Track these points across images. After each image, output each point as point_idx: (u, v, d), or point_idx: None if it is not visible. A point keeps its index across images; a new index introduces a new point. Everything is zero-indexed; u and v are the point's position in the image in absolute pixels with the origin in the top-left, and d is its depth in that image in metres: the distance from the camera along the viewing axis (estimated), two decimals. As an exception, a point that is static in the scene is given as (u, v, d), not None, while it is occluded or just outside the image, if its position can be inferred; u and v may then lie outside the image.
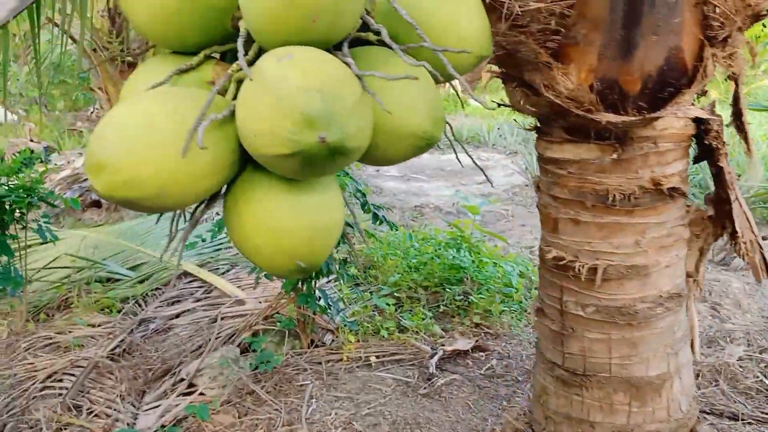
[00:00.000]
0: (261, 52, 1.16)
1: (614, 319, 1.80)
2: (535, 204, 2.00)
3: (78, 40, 2.24)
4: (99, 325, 4.10)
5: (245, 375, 3.31)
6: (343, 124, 0.99)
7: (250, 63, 1.11)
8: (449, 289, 4.27)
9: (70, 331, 4.07)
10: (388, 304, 3.96)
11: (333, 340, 3.75)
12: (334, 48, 1.15)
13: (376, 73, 1.04)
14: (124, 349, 3.77)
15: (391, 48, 1.22)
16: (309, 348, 3.69)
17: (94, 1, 4.44)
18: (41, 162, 7.31)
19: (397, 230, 4.58)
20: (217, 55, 1.22)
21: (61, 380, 3.56)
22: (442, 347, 3.63)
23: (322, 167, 1.04)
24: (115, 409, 3.21)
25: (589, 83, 1.60)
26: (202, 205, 1.17)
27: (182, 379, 3.38)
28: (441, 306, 4.20)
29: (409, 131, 1.17)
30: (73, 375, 3.57)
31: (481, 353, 3.65)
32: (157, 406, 3.19)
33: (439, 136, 1.24)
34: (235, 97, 1.14)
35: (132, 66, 6.30)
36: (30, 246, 4.31)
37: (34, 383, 3.55)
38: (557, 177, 1.80)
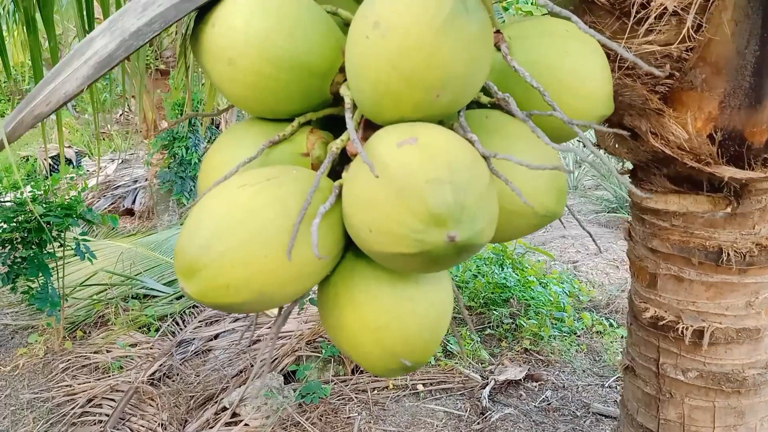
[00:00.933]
0: (366, 121, 1.01)
1: (720, 386, 1.63)
2: (625, 252, 1.83)
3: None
4: (137, 345, 4.01)
5: (290, 405, 3.19)
6: (474, 218, 0.83)
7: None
8: (495, 310, 4.11)
9: (108, 351, 3.99)
10: (434, 328, 3.80)
11: (378, 367, 3.61)
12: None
13: (511, 158, 0.89)
14: (164, 373, 3.67)
15: (512, 114, 1.06)
16: (353, 374, 3.55)
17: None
18: (74, 167, 7.28)
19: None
20: (306, 120, 1.07)
21: (100, 405, 3.47)
22: (492, 376, 3.47)
23: (444, 264, 0.89)
24: (158, 442, 3.11)
25: (707, 133, 1.43)
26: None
27: (225, 408, 3.27)
28: (487, 329, 4.04)
29: (529, 209, 1.02)
30: (112, 400, 3.48)
31: (534, 383, 3.48)
32: (201, 439, 3.09)
33: (561, 211, 1.08)
34: (336, 176, 0.99)
35: (165, 74, 6.21)
36: (66, 258, 4.23)
37: (73, 408, 3.47)
38: (657, 228, 1.63)
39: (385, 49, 0.86)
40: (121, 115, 10.06)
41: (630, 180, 1.73)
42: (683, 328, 1.62)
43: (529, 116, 1.05)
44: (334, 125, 1.10)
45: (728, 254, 1.53)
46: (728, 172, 1.41)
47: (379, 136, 0.90)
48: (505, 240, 1.11)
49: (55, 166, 7.93)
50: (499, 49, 1.08)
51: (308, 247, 0.86)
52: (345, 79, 1.00)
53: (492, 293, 4.28)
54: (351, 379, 3.48)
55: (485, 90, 1.06)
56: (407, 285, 0.97)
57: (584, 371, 3.62)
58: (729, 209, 1.52)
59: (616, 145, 1.65)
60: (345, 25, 1.09)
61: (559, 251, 5.71)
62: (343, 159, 1.03)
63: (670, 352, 1.68)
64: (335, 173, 1.04)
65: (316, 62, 0.99)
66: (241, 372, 3.54)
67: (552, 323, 3.97)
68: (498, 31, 1.09)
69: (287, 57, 0.97)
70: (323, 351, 3.50)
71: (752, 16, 1.32)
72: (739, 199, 1.51)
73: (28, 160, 7.80)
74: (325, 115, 1.07)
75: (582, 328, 4.03)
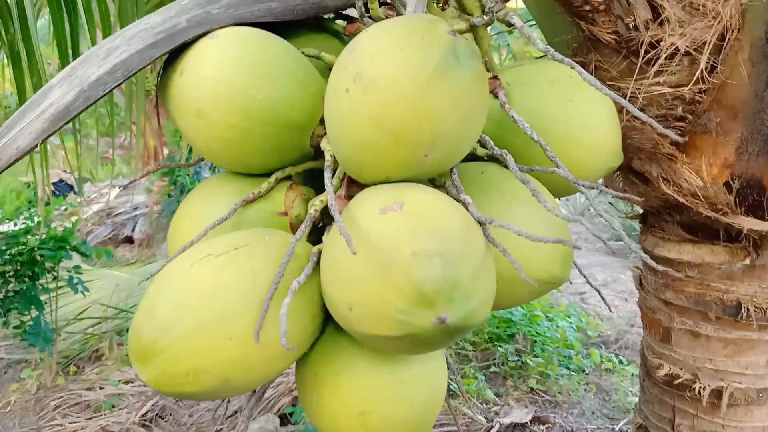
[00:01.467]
0: (350, 178, 0.91)
1: (740, 451, 1.51)
2: (636, 301, 1.71)
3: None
4: (130, 382, 3.89)
5: (286, 450, 3.06)
6: (468, 295, 0.73)
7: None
8: (501, 346, 3.98)
9: (101, 387, 3.87)
10: (436, 366, 3.67)
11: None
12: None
13: (510, 226, 0.78)
14: (157, 413, 3.55)
15: (507, 168, 0.97)
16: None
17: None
18: (75, 194, 7.22)
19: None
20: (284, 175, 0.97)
21: (90, 447, 3.35)
22: (497, 418, 3.33)
23: (433, 347, 0.79)
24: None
25: (723, 180, 1.32)
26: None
27: (218, 452, 3.14)
28: (492, 366, 3.90)
29: (532, 276, 0.91)
30: (103, 442, 3.35)
31: (542, 426, 3.34)
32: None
33: (567, 275, 0.98)
34: (320, 236, 0.89)
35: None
36: (60, 289, 4.13)
37: (63, 450, 3.35)
38: (671, 279, 1.52)
39: (366, 104, 0.77)
40: (125, 140, 10.02)
41: (640, 226, 1.62)
42: (700, 387, 1.50)
43: (530, 172, 0.96)
44: (315, 179, 1.01)
45: (747, 309, 1.41)
46: (747, 223, 1.31)
47: (360, 201, 0.80)
48: (504, 308, 1.01)
49: (57, 192, 7.87)
50: (496, 96, 0.98)
51: (278, 330, 0.76)
52: (326, 132, 0.91)
53: (497, 328, 4.15)
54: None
55: (481, 141, 0.97)
56: (395, 364, 0.87)
57: (593, 413, 3.48)
58: (748, 261, 1.41)
59: (626, 189, 1.55)
60: (328, 71, 1.00)
61: (565, 283, 5.58)
62: (327, 215, 0.94)
63: (687, 412, 1.56)
64: (319, 232, 0.94)
65: (294, 114, 0.90)
66: (235, 413, 3.41)
67: (559, 360, 3.83)
68: (495, 77, 1.00)
69: (262, 108, 0.88)
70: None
71: (771, 56, 1.22)
72: (758, 249, 1.40)
73: (29, 186, 7.76)
74: (306, 169, 0.98)
75: (591, 366, 3.89)
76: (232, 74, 0.87)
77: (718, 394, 1.49)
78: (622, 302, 4.94)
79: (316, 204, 0.88)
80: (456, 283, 0.72)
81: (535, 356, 3.82)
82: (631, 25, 1.28)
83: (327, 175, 0.84)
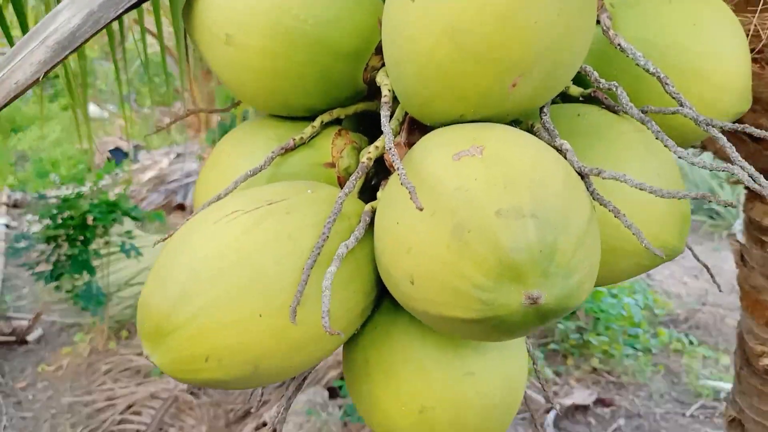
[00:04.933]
0: (411, 120, 0.73)
1: None
2: (735, 278, 1.49)
3: (159, 39, 1.87)
4: (180, 349, 3.86)
5: (334, 424, 2.95)
6: (569, 270, 0.55)
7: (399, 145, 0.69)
8: (560, 323, 3.76)
9: (150, 354, 3.86)
10: (492, 342, 3.50)
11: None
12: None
13: (628, 178, 0.59)
14: (205, 381, 3.50)
15: (614, 112, 0.77)
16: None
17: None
18: (131, 161, 7.28)
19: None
20: (332, 118, 0.79)
21: (139, 413, 3.33)
22: (557, 398, 3.14)
23: (520, 333, 0.61)
24: (194, 459, 2.94)
25: None
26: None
27: (265, 423, 3.07)
28: (551, 343, 3.70)
29: (641, 246, 0.71)
30: (152, 408, 3.33)
31: (605, 408, 3.13)
32: (239, 458, 2.90)
33: (683, 246, 0.78)
34: (369, 198, 0.72)
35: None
36: (112, 254, 4.13)
37: (113, 414, 3.34)
38: (782, 254, 1.30)
39: (439, 13, 0.59)
40: (179, 108, 10.07)
41: (746, 192, 1.39)
42: (816, 381, 1.28)
43: (645, 114, 0.76)
44: (369, 125, 0.83)
45: None
46: None
47: (427, 145, 0.62)
48: (601, 285, 0.82)
49: (113, 159, 7.97)
50: (598, 21, 0.78)
51: (320, 307, 0.59)
52: (383, 63, 0.73)
53: (556, 303, 3.94)
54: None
55: (578, 78, 0.77)
56: (465, 352, 0.69)
57: (662, 396, 3.24)
58: None
59: (732, 145, 1.31)
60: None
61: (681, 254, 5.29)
62: (382, 169, 0.77)
63: (795, 408, 1.34)
64: (373, 190, 0.77)
65: (343, 39, 0.72)
66: (283, 383, 3.33)
67: (624, 340, 3.60)
68: (597, -2, 0.80)
69: (304, 31, 0.71)
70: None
71: None
72: None
73: (87, 153, 7.88)
74: (358, 111, 0.80)
75: (658, 346, 3.64)
76: (268, -11, 0.70)
77: (837, 390, 1.27)
78: (691, 279, 4.62)
79: (371, 151, 0.70)
80: (554, 252, 0.54)
81: (599, 334, 3.59)
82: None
83: (384, 113, 0.66)
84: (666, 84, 0.70)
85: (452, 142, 0.59)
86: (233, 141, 0.81)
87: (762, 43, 1.10)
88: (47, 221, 3.66)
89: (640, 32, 0.79)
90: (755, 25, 1.10)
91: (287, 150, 0.75)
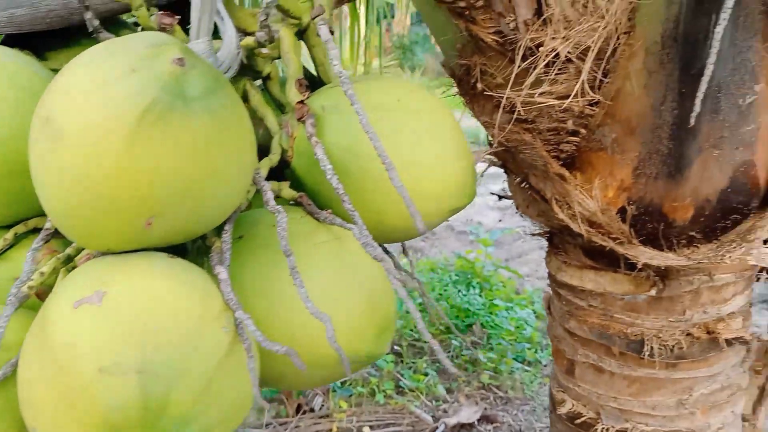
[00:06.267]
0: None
1: (648, 496, 1.37)
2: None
3: None
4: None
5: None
6: (186, 420, 0.56)
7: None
8: (456, 338, 3.84)
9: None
10: (386, 361, 3.53)
11: (323, 405, 3.34)
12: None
13: (252, 329, 0.60)
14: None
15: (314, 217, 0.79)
16: (295, 415, 3.29)
17: None
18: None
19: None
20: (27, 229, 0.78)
21: None
22: (444, 417, 3.20)
23: None
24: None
25: (618, 205, 1.15)
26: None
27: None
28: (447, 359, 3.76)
29: (333, 357, 0.73)
30: None
31: (489, 425, 3.22)
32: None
33: (386, 349, 0.81)
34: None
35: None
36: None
37: None
38: (573, 307, 1.36)
39: (62, 157, 0.59)
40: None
41: (547, 246, 1.45)
42: (603, 428, 1.34)
43: (336, 221, 0.78)
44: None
45: (651, 347, 1.25)
46: (644, 255, 1.13)
47: (60, 288, 0.62)
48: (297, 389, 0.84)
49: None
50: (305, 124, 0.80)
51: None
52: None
53: (456, 317, 4.01)
54: (291, 422, 3.22)
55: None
56: None
57: (545, 409, 3.35)
58: (653, 292, 1.24)
59: (527, 206, 1.37)
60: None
61: (536, 264, 5.42)
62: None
63: (591, 453, 1.41)
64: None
65: (19, 155, 0.71)
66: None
67: (514, 354, 3.69)
68: (302, 102, 0.82)
69: None
70: (261, 390, 3.24)
71: (667, 64, 1.03)
72: (665, 280, 1.23)
73: None
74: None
75: (548, 358, 3.75)
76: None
77: (622, 436, 1.34)
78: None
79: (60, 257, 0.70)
80: (166, 405, 0.55)
81: (490, 349, 3.68)
82: (511, 25, 1.09)
83: (36, 243, 0.65)
84: (343, 200, 0.72)
85: (81, 285, 0.59)
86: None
87: (525, 116, 1.15)
88: None
89: (343, 139, 0.81)
90: (525, 98, 1.15)
91: (-24, 263, 0.74)
